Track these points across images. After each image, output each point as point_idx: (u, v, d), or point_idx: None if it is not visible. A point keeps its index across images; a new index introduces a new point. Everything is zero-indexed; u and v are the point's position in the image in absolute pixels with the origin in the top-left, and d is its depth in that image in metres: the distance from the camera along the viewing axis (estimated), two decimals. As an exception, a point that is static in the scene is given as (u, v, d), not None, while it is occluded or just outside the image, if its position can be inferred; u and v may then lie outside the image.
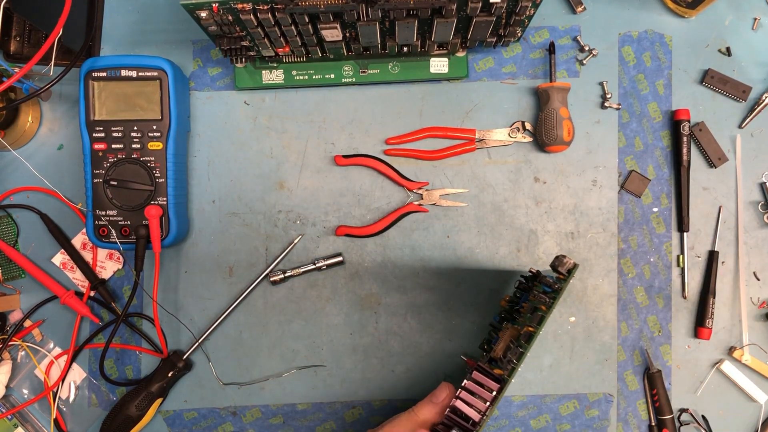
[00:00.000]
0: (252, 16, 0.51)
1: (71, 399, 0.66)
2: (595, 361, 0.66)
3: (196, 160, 0.66)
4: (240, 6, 0.50)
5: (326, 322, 0.66)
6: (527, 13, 0.56)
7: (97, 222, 0.61)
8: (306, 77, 0.65)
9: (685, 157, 0.65)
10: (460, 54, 0.65)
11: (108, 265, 0.66)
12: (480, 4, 0.50)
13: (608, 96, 0.66)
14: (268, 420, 0.66)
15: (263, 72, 0.65)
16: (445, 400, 0.55)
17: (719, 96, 0.66)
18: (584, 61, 0.66)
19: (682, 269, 0.66)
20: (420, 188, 0.65)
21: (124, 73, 0.59)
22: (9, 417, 0.65)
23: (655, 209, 0.66)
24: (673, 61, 0.67)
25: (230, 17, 0.52)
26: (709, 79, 0.66)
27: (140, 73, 0.60)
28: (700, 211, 0.66)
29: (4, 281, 0.66)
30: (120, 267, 0.66)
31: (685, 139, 0.65)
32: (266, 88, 0.65)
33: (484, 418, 0.51)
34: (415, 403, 0.56)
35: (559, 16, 0.66)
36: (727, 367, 0.66)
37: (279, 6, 0.49)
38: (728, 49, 0.66)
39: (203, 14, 0.51)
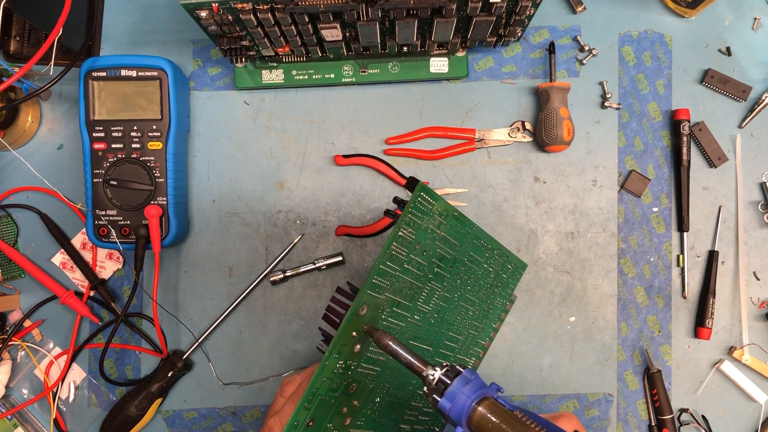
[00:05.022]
0: (252, 16, 0.51)
1: (71, 399, 0.66)
2: (595, 361, 0.66)
3: (196, 160, 0.66)
4: (240, 6, 0.50)
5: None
6: (527, 12, 0.56)
7: (96, 222, 0.61)
8: (306, 77, 0.65)
9: (685, 157, 0.65)
10: (460, 54, 0.65)
11: (108, 264, 0.66)
12: (480, 4, 0.50)
13: (608, 96, 0.66)
14: (268, 420, 0.66)
15: (263, 72, 0.65)
16: (293, 389, 0.51)
17: (719, 96, 0.66)
18: (584, 61, 0.66)
19: (682, 269, 0.66)
20: (420, 188, 0.65)
21: (124, 72, 0.59)
22: (9, 417, 0.65)
23: (655, 209, 0.66)
24: (673, 61, 0.67)
25: (230, 17, 0.52)
26: (709, 79, 0.66)
27: (140, 73, 0.60)
28: (700, 211, 0.66)
29: (4, 281, 0.66)
30: (120, 267, 0.66)
31: (685, 138, 0.65)
32: (266, 88, 0.65)
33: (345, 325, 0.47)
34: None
35: (559, 16, 0.66)
36: (727, 367, 0.66)
37: (279, 6, 0.49)
38: (728, 49, 0.66)
39: (203, 14, 0.51)
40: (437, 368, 0.40)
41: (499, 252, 0.59)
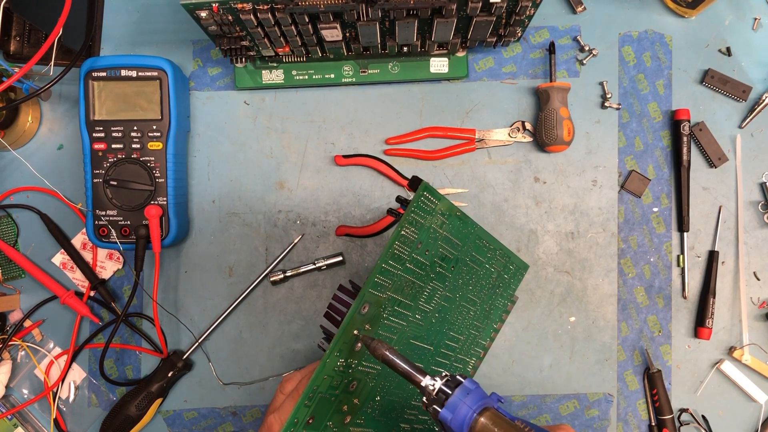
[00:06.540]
0: (252, 16, 0.51)
1: (71, 399, 0.66)
2: (595, 361, 0.66)
3: (196, 160, 0.66)
4: (240, 6, 0.50)
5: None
6: (527, 13, 0.56)
7: (97, 222, 0.61)
8: (306, 77, 0.65)
9: (685, 157, 0.65)
10: (460, 54, 0.65)
11: (108, 265, 0.66)
12: (480, 4, 0.50)
13: (608, 96, 0.66)
14: (268, 420, 0.66)
15: (263, 72, 0.65)
16: (293, 386, 0.51)
17: (719, 96, 0.66)
18: (584, 61, 0.66)
19: (682, 269, 0.66)
20: (420, 188, 0.65)
21: (124, 73, 0.59)
22: (9, 417, 0.65)
23: (655, 209, 0.66)
24: (673, 61, 0.67)
25: (230, 17, 0.52)
26: (709, 79, 0.66)
27: (140, 73, 0.60)
28: (700, 211, 0.66)
29: (4, 281, 0.66)
30: (120, 267, 0.66)
31: (685, 139, 0.65)
32: (266, 88, 0.65)
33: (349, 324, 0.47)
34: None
35: (559, 16, 0.66)
36: (727, 367, 0.66)
37: (279, 6, 0.49)
38: (728, 49, 0.66)
39: (203, 14, 0.51)
40: (437, 378, 0.40)
41: (501, 252, 0.59)
